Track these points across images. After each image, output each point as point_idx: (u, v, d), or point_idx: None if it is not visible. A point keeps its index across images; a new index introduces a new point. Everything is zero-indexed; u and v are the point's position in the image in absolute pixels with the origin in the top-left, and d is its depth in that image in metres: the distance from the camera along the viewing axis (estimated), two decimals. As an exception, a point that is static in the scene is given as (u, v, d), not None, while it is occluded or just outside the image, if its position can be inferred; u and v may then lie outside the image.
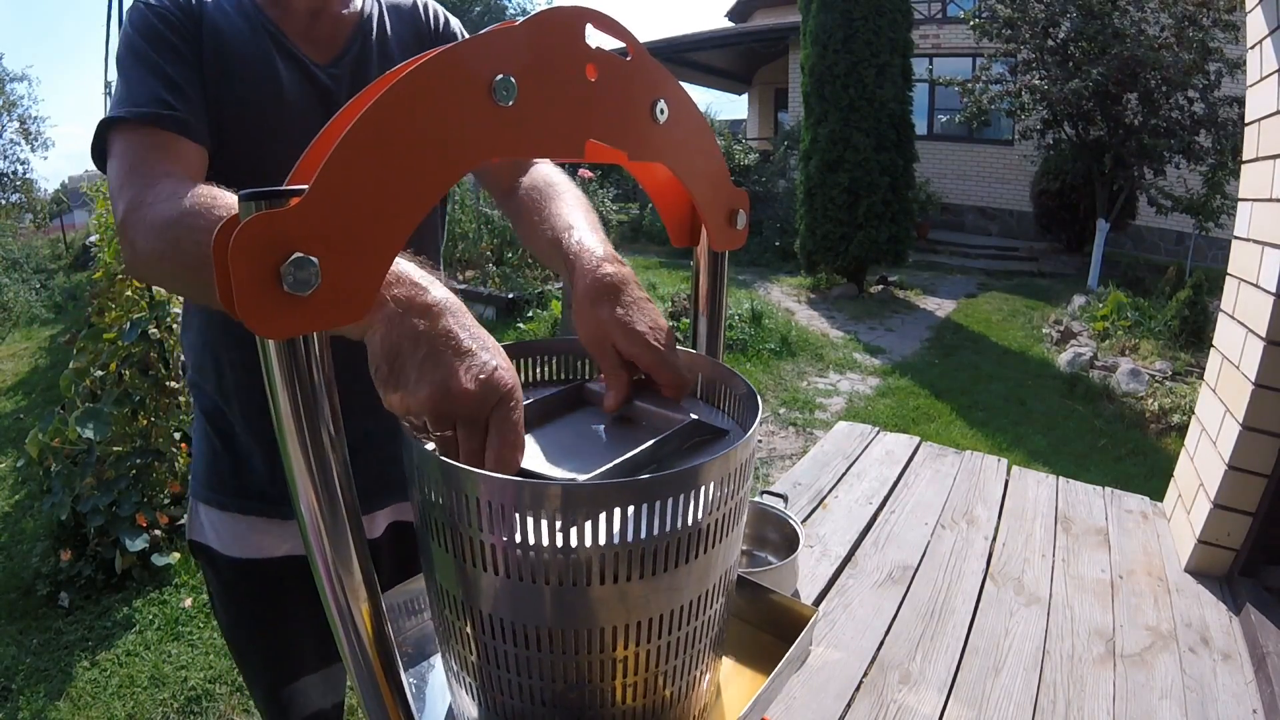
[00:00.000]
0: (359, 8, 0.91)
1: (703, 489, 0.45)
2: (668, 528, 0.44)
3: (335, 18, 0.89)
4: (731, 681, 0.65)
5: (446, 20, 0.99)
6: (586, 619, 0.46)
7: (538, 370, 0.69)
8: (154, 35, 0.77)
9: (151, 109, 0.73)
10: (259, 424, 0.90)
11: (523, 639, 0.47)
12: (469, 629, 0.49)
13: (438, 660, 0.66)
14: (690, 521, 0.45)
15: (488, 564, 0.45)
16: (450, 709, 0.60)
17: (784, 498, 1.64)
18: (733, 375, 0.62)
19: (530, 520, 0.42)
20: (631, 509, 0.43)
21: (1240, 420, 1.54)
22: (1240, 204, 1.74)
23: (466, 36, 0.98)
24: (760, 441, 4.08)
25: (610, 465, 0.50)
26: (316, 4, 0.87)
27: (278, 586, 0.95)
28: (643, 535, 0.44)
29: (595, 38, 0.47)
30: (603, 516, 0.43)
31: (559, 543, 0.43)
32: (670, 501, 0.44)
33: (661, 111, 0.51)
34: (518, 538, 0.43)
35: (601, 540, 0.43)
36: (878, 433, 2.39)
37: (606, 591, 0.45)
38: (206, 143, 0.77)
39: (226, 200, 0.62)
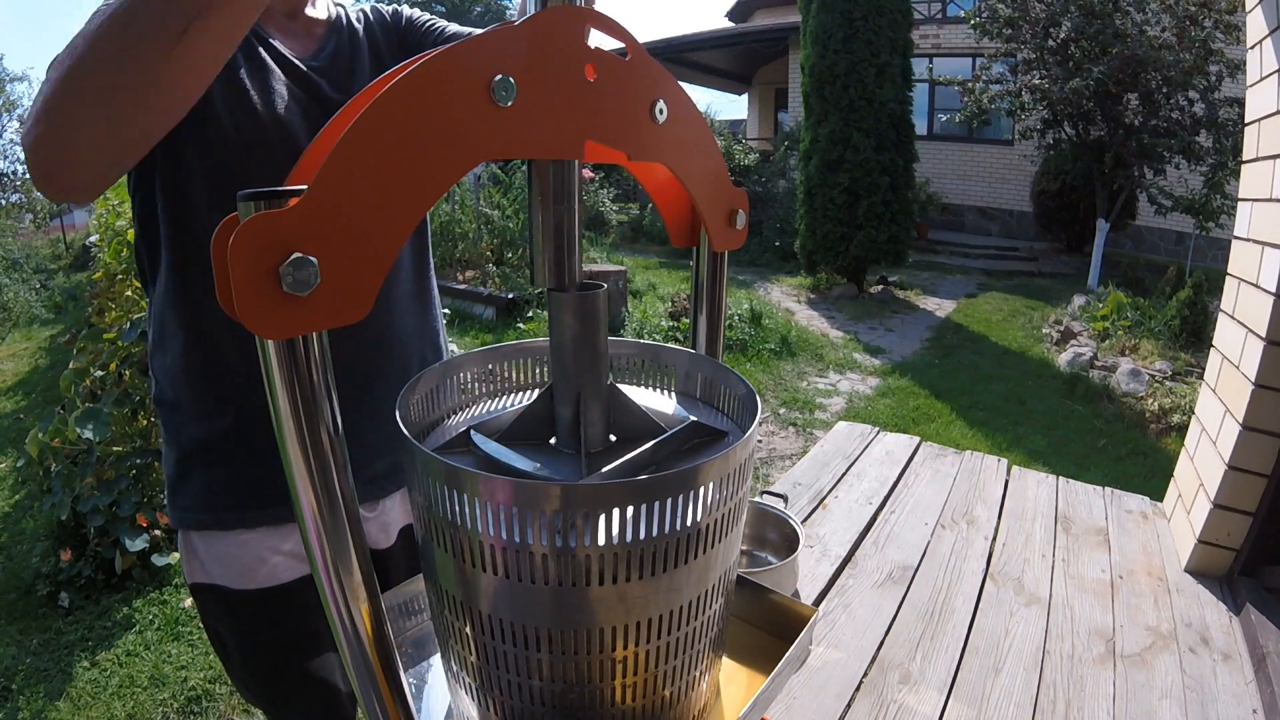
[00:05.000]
0: (328, 15, 0.95)
1: (702, 489, 0.45)
2: (667, 528, 0.44)
3: (309, 20, 0.93)
4: (731, 681, 0.65)
5: (415, 13, 1.02)
6: (586, 619, 0.46)
7: (538, 371, 0.69)
8: None
9: None
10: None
11: (522, 639, 0.47)
12: (469, 630, 0.49)
13: (437, 660, 0.66)
14: (690, 522, 0.45)
15: (487, 565, 0.45)
16: (450, 709, 0.60)
17: (784, 498, 1.64)
18: (732, 376, 0.62)
19: (530, 521, 0.42)
20: (631, 510, 0.43)
21: (1240, 420, 1.54)
22: (1240, 204, 1.74)
23: (442, 24, 0.99)
24: (760, 441, 4.08)
25: (610, 466, 0.50)
26: (293, 4, 0.91)
27: (301, 608, 0.89)
28: (642, 536, 0.44)
29: (594, 38, 0.47)
30: (602, 517, 0.43)
31: (559, 543, 0.43)
32: (669, 502, 0.44)
33: (661, 111, 0.51)
34: (517, 538, 0.43)
35: (601, 541, 0.43)
36: (878, 433, 2.39)
37: (606, 592, 0.45)
38: None
39: None
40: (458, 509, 0.44)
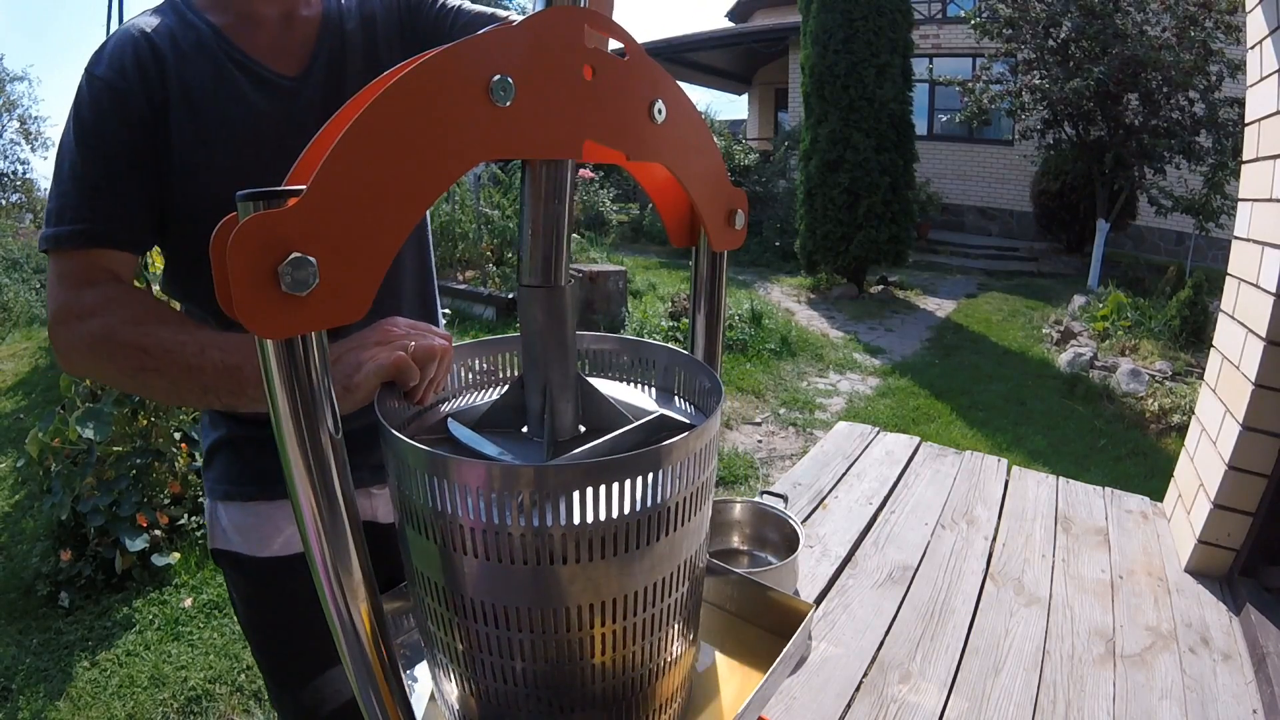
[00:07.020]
0: (322, 11, 0.91)
1: (662, 472, 0.47)
2: (629, 510, 0.46)
3: (302, 23, 0.89)
4: (729, 679, 0.65)
5: None
6: (557, 598, 0.47)
7: (511, 366, 0.71)
8: (94, 127, 0.78)
9: (78, 227, 0.77)
10: None
11: (501, 620, 0.48)
12: (450, 614, 0.50)
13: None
14: (648, 504, 0.47)
15: (467, 548, 0.46)
16: (432, 694, 0.61)
17: (784, 498, 1.64)
18: (702, 369, 0.63)
19: (505, 503, 0.44)
20: (591, 491, 0.45)
21: (1240, 420, 1.54)
22: (1240, 204, 1.74)
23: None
24: (760, 441, 4.08)
25: (577, 451, 0.51)
26: (287, 6, 0.87)
27: (308, 578, 0.96)
28: (602, 517, 0.45)
29: (593, 38, 0.47)
30: (575, 496, 0.44)
31: (533, 523, 0.44)
32: (627, 484, 0.45)
33: (659, 111, 0.51)
34: (495, 520, 0.44)
35: (576, 520, 0.45)
36: (878, 433, 2.39)
37: (574, 571, 0.46)
38: (137, 246, 0.82)
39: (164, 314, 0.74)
40: (439, 496, 0.46)
